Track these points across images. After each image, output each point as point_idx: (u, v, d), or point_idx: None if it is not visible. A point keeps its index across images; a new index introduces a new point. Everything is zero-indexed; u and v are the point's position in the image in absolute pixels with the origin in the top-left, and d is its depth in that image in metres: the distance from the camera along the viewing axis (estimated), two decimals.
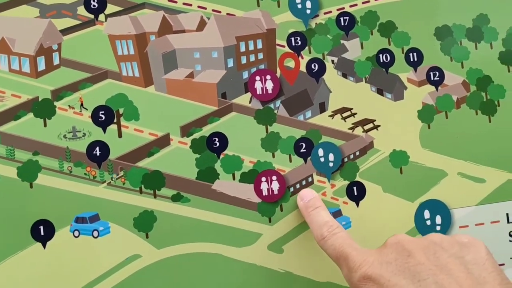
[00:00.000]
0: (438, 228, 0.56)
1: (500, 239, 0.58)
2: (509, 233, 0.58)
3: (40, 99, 0.51)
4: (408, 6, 0.58)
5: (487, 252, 0.41)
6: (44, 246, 0.50)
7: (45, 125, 0.51)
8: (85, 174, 0.51)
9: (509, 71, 0.59)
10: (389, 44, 0.58)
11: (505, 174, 0.58)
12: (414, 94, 0.58)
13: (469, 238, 0.42)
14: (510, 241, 0.58)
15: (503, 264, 0.58)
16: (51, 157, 0.51)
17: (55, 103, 0.52)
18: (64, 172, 0.51)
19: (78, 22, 0.53)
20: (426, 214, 0.56)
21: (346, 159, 0.56)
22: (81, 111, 0.52)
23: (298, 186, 0.54)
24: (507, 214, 0.58)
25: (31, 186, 0.50)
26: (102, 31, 0.53)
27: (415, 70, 0.58)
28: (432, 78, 0.58)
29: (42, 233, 0.50)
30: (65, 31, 0.52)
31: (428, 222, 0.56)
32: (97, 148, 0.52)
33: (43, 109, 0.51)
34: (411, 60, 0.58)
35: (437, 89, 0.58)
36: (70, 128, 0.52)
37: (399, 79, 0.57)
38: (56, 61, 0.52)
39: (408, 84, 0.58)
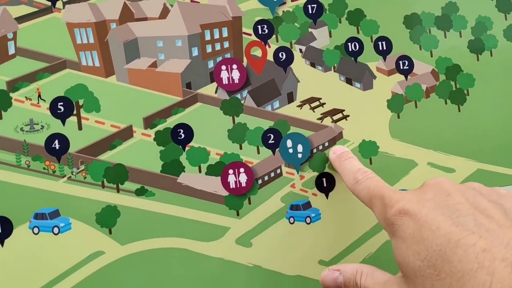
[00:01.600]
0: None
1: None
2: None
3: None
4: None
5: None
6: (1, 244, 0.48)
7: (0, 117, 0.49)
8: (44, 168, 0.49)
9: (478, 59, 0.59)
10: (358, 33, 0.56)
11: (475, 163, 0.58)
12: (383, 84, 0.57)
13: (508, 190, 0.41)
14: None
15: None
16: (8, 151, 0.48)
17: (11, 95, 0.49)
18: (22, 167, 0.49)
19: (34, 9, 0.50)
20: None
21: (315, 150, 0.54)
22: (38, 103, 0.49)
23: (266, 178, 0.53)
24: None
25: None
26: (60, 19, 0.50)
27: (384, 59, 0.57)
28: (401, 67, 0.57)
29: (0, 231, 0.48)
30: (21, 19, 0.50)
31: None
32: (56, 141, 0.49)
33: None
34: (380, 49, 0.57)
35: (406, 78, 0.57)
36: (27, 121, 0.49)
37: (368, 68, 0.56)
38: (11, 51, 0.49)
39: (377, 73, 0.57)
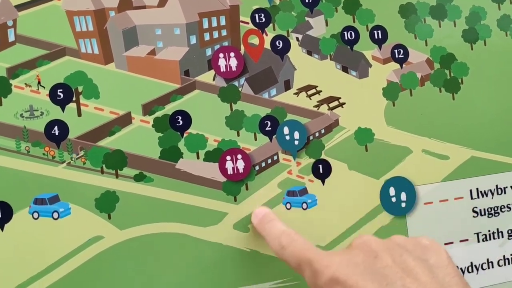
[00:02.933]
0: (403, 205, 0.56)
1: (464, 215, 0.58)
2: (473, 209, 0.58)
3: None
4: None
5: (447, 256, 0.41)
6: (1, 228, 0.48)
7: (0, 104, 0.49)
8: (44, 154, 0.49)
9: (472, 49, 0.59)
10: (354, 22, 0.57)
11: (469, 151, 0.58)
12: (378, 72, 0.57)
13: (430, 241, 0.42)
14: (473, 217, 0.58)
15: (466, 240, 0.58)
16: (8, 137, 0.48)
17: (11, 81, 0.49)
18: (22, 153, 0.49)
19: None
20: (392, 191, 0.56)
21: (311, 137, 0.55)
22: (38, 89, 0.50)
23: (263, 164, 0.53)
24: (471, 191, 0.58)
25: None
26: (60, 6, 0.50)
27: (380, 48, 0.57)
28: (396, 56, 0.57)
29: (0, 215, 0.48)
30: (21, 7, 0.50)
31: (394, 199, 0.56)
32: (56, 127, 0.49)
33: None
34: (376, 37, 0.57)
35: (401, 66, 0.57)
36: (27, 107, 0.49)
37: (364, 57, 0.57)
38: (11, 38, 0.50)
39: (373, 61, 0.57)
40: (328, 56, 0.56)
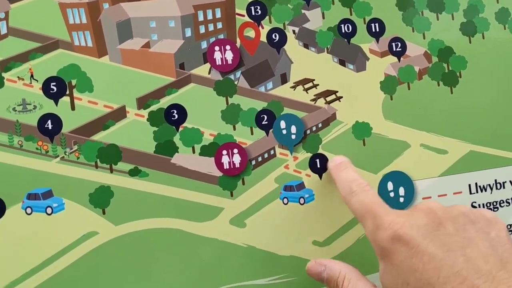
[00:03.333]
0: (401, 200, 0.55)
1: None
2: (472, 204, 0.57)
3: None
4: None
5: (507, 232, 0.41)
6: None
7: None
8: (37, 148, 0.48)
9: (470, 42, 0.58)
10: (351, 14, 0.56)
11: (467, 145, 0.57)
12: (376, 65, 0.56)
13: (493, 214, 0.42)
14: None
15: None
16: (0, 131, 0.48)
17: (3, 75, 0.48)
18: (14, 147, 0.48)
19: None
20: (390, 186, 0.55)
21: (308, 131, 0.54)
22: (31, 83, 0.49)
23: (260, 159, 0.52)
24: (469, 185, 0.57)
25: None
26: None
27: (377, 41, 0.56)
28: (394, 49, 0.56)
29: None
30: None
31: (392, 194, 0.55)
32: (49, 121, 0.49)
33: None
34: (373, 30, 0.56)
35: (399, 60, 0.57)
36: (19, 101, 0.48)
37: (361, 50, 0.56)
38: (3, 30, 0.49)
39: (370, 55, 0.56)
40: (325, 49, 0.55)
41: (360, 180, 0.47)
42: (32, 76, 0.49)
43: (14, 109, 0.48)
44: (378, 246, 0.41)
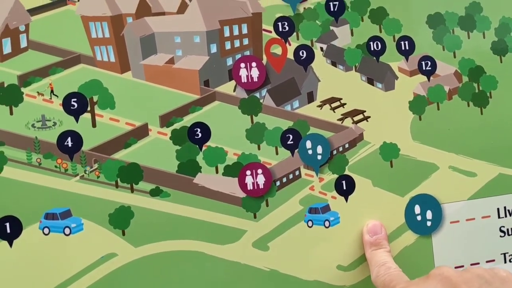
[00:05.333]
0: (428, 223, 0.52)
1: (491, 235, 0.54)
2: (500, 228, 0.54)
3: (5, 85, 0.45)
4: None
5: None
6: (10, 244, 0.44)
7: (11, 113, 0.45)
8: (56, 166, 0.46)
9: (501, 61, 0.55)
10: (380, 32, 0.53)
11: (496, 168, 0.54)
12: (405, 84, 0.53)
13: (507, 273, 0.41)
14: (500, 236, 0.54)
15: (493, 260, 0.54)
16: (18, 148, 0.45)
17: (23, 89, 0.45)
18: (33, 165, 0.45)
19: (48, 1, 0.46)
20: (417, 209, 0.52)
21: (335, 152, 0.51)
22: (51, 98, 0.46)
23: (284, 180, 0.50)
24: (498, 209, 0.54)
25: None
26: (75, 11, 0.47)
27: (407, 59, 0.53)
28: (424, 68, 0.53)
29: (9, 231, 0.44)
30: (34, 11, 0.46)
31: (419, 218, 0.52)
32: (69, 139, 0.46)
33: (9, 95, 0.45)
34: (403, 48, 0.53)
35: (429, 79, 0.54)
36: (39, 117, 0.46)
37: (390, 69, 0.53)
38: (23, 44, 0.46)
39: (399, 73, 0.53)
40: (353, 67, 0.52)
41: (389, 264, 0.47)
42: (52, 91, 0.46)
43: (33, 125, 0.45)
44: None
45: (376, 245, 0.49)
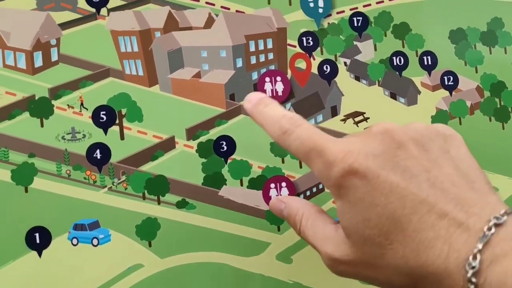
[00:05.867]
0: None
1: None
2: None
3: (36, 98, 0.46)
4: (423, 8, 0.54)
5: (466, 148, 0.36)
6: (39, 254, 0.44)
7: (42, 125, 0.46)
8: (85, 178, 0.46)
9: None
10: (403, 47, 0.53)
11: None
12: (427, 99, 0.53)
13: (449, 130, 0.36)
14: None
15: None
16: (48, 160, 0.45)
17: (53, 102, 0.46)
18: (62, 176, 0.46)
19: (78, 16, 0.47)
20: None
21: None
22: (81, 111, 0.46)
23: (308, 193, 0.50)
24: None
25: (26, 191, 0.45)
26: (104, 26, 0.47)
27: (429, 74, 0.53)
28: (446, 83, 0.54)
29: (38, 241, 0.44)
30: (65, 25, 0.47)
31: None
32: (98, 151, 0.46)
33: (40, 108, 0.46)
34: (425, 63, 0.53)
35: (451, 94, 0.54)
36: (69, 129, 0.46)
37: (413, 83, 0.53)
38: (54, 57, 0.47)
39: (422, 88, 0.53)
40: (377, 81, 0.52)
41: (290, 115, 0.37)
42: (82, 104, 0.46)
43: (63, 137, 0.46)
44: (333, 185, 0.34)
45: (263, 104, 0.39)
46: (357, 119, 0.51)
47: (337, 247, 0.35)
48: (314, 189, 0.50)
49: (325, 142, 0.35)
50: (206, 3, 0.49)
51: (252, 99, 0.40)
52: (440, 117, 0.53)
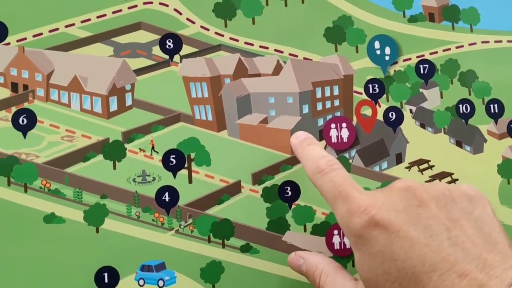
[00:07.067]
0: None
1: None
2: None
3: (110, 141, 0.47)
4: (489, 55, 0.52)
5: (491, 210, 0.36)
6: None
7: (114, 167, 0.46)
8: (153, 220, 0.46)
9: None
10: (470, 94, 0.52)
11: None
12: (494, 147, 0.51)
13: (475, 191, 0.36)
14: None
15: None
16: (119, 201, 0.46)
17: (126, 145, 0.47)
18: (132, 218, 0.46)
19: (152, 62, 0.48)
20: None
21: None
22: (151, 155, 0.47)
23: None
24: None
25: (97, 231, 0.45)
26: (177, 72, 0.48)
27: (496, 122, 0.52)
28: None
29: (106, 281, 0.45)
30: (139, 71, 0.47)
31: None
32: (167, 194, 0.46)
33: (113, 151, 0.46)
34: (492, 111, 0.52)
35: None
36: (139, 172, 0.47)
37: (479, 131, 0.51)
38: (128, 102, 0.47)
39: (488, 136, 0.51)
40: (442, 129, 0.51)
41: (329, 157, 0.39)
42: (153, 148, 0.47)
43: (134, 180, 0.46)
44: (353, 234, 0.35)
45: (307, 142, 0.42)
46: (422, 166, 0.50)
47: None
48: None
49: (353, 191, 0.36)
50: (275, 50, 0.49)
51: (299, 136, 0.43)
52: (506, 165, 0.51)
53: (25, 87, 0.47)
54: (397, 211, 0.34)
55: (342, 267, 0.40)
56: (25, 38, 0.47)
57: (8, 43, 0.47)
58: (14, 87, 0.46)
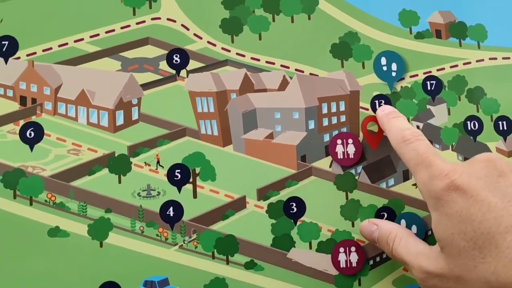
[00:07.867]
0: None
1: None
2: None
3: (116, 155, 0.46)
4: (497, 72, 0.51)
5: None
6: None
7: (119, 181, 0.46)
8: (157, 235, 0.45)
9: None
10: (478, 111, 0.51)
11: None
12: None
13: None
14: None
15: None
16: (124, 216, 0.45)
17: (131, 159, 0.46)
18: (136, 232, 0.45)
19: (159, 76, 0.48)
20: None
21: (429, 233, 0.48)
22: (157, 169, 0.46)
23: (378, 259, 0.47)
24: None
25: (101, 245, 0.45)
26: (183, 87, 0.48)
27: (505, 140, 0.50)
28: None
29: None
30: (146, 86, 0.47)
31: None
32: (171, 208, 0.46)
33: (118, 165, 0.46)
34: (500, 128, 0.50)
35: None
36: (144, 186, 0.46)
37: (488, 149, 0.50)
38: (135, 116, 0.47)
39: (497, 153, 0.50)
40: (450, 146, 0.50)
41: (414, 129, 0.43)
42: (158, 162, 0.46)
43: (138, 194, 0.46)
44: (433, 196, 0.38)
45: (392, 115, 0.45)
46: None
47: (432, 260, 0.38)
48: (384, 255, 0.47)
49: (436, 158, 0.39)
50: (281, 65, 0.49)
51: (385, 109, 0.46)
52: None
53: (34, 100, 0.46)
54: (477, 178, 0.36)
55: (414, 234, 0.42)
56: (35, 53, 0.47)
57: (18, 57, 0.47)
58: (22, 100, 0.46)
